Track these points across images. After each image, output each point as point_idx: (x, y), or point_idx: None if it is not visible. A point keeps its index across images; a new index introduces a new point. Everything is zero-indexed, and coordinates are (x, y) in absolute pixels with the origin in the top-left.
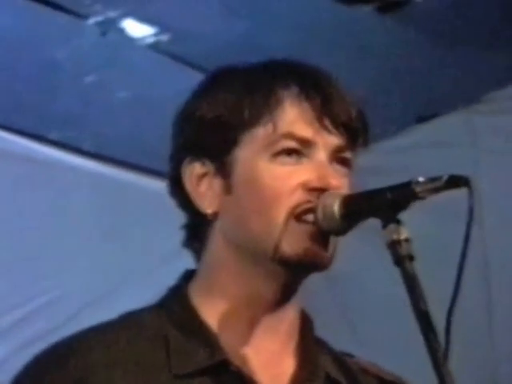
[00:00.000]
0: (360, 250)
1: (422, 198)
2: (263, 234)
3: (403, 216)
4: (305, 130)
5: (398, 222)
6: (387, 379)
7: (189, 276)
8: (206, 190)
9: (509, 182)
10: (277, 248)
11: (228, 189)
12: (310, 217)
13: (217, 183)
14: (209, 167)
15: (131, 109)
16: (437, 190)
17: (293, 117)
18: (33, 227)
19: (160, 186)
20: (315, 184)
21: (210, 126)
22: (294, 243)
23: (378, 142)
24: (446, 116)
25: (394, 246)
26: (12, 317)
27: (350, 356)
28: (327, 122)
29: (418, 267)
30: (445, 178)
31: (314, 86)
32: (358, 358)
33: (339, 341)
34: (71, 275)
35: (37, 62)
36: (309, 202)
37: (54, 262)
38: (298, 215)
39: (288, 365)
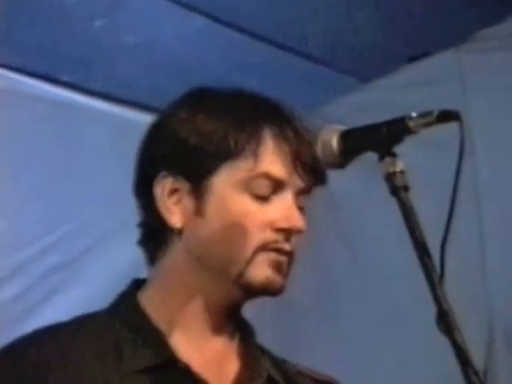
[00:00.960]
0: (359, 180)
1: (415, 132)
2: (230, 261)
3: (398, 149)
4: (280, 172)
5: (393, 155)
6: (322, 380)
7: (138, 284)
8: (173, 206)
9: (497, 114)
10: (241, 275)
11: (199, 211)
12: (273, 255)
13: (188, 202)
14: (182, 185)
15: (138, 51)
16: (429, 125)
17: (272, 157)
18: (46, 164)
19: None
20: (282, 225)
21: (193, 151)
22: (257, 272)
23: (373, 80)
24: (436, 55)
25: (390, 177)
26: (31, 250)
27: (286, 361)
28: (299, 167)
29: (413, 197)
30: (436, 112)
31: (292, 130)
32: (295, 363)
33: (341, 266)
34: (85, 209)
35: (48, 8)
36: (275, 241)
37: (69, 197)
38: (269, 249)
39: (232, 365)
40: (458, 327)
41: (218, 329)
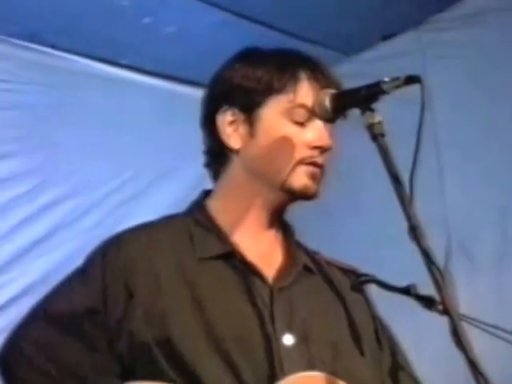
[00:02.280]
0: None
1: (388, 93)
2: (276, 172)
3: (376, 106)
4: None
5: (372, 110)
6: (345, 268)
7: (206, 194)
8: (232, 132)
9: (451, 77)
10: (285, 182)
11: (252, 134)
12: (310, 168)
13: (243, 129)
14: (238, 116)
15: (177, 40)
16: (398, 87)
17: (306, 92)
18: (112, 128)
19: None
20: (316, 143)
21: (246, 90)
22: (297, 180)
23: (355, 54)
24: (403, 34)
25: (370, 127)
26: (104, 189)
27: (317, 253)
28: None
29: (389, 142)
30: (403, 77)
31: (320, 72)
32: (324, 255)
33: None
34: (142, 159)
35: (110, 9)
36: (311, 157)
37: (130, 150)
38: (307, 163)
39: (277, 256)
40: (425, 236)
41: (267, 227)
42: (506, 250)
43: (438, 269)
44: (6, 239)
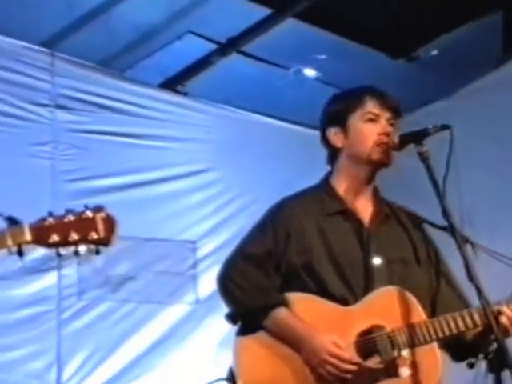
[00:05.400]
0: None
1: (431, 134)
2: (363, 153)
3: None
4: (376, 110)
5: (422, 144)
6: (410, 213)
7: (329, 174)
8: (337, 139)
9: (468, 131)
10: (368, 158)
11: (346, 137)
12: (383, 146)
13: (342, 135)
14: (338, 130)
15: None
16: (436, 131)
17: (370, 105)
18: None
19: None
20: (382, 131)
21: (338, 114)
22: (375, 155)
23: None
24: (437, 102)
25: (421, 154)
26: (253, 195)
27: (394, 203)
28: (385, 107)
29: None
30: (439, 125)
31: (380, 96)
32: (397, 204)
33: None
34: (267, 177)
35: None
36: (380, 139)
37: (262, 172)
38: (378, 145)
39: (369, 208)
40: (453, 215)
41: (364, 190)
42: (497, 222)
43: (462, 236)
44: (204, 219)
